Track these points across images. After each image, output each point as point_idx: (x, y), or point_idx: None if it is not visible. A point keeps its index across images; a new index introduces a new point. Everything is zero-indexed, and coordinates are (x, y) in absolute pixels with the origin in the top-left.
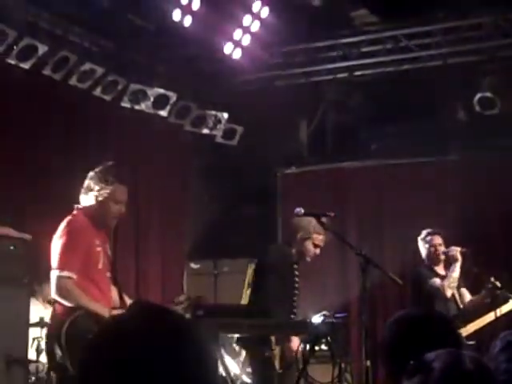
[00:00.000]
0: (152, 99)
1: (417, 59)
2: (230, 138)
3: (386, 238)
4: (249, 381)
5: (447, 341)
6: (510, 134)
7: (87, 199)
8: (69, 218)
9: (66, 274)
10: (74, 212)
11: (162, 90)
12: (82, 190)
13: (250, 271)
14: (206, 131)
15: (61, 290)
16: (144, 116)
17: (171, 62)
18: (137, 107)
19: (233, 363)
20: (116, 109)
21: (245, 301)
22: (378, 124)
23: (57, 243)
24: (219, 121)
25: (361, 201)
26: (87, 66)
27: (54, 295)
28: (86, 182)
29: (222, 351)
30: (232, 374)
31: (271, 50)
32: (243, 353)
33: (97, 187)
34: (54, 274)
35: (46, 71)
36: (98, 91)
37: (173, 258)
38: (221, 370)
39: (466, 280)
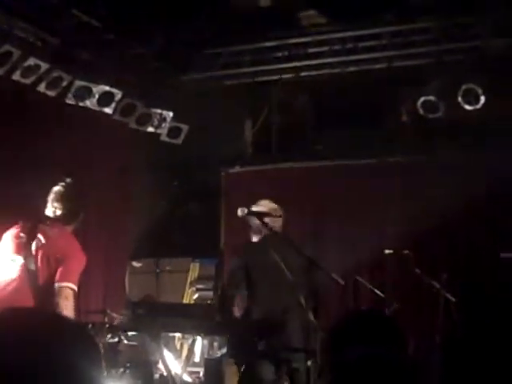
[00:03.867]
0: (97, 96)
1: (363, 61)
2: (175, 136)
3: (330, 238)
4: (190, 380)
5: (385, 339)
6: (452, 138)
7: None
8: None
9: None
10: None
11: (107, 88)
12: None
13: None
14: (150, 129)
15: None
16: (89, 113)
17: (117, 59)
18: (81, 104)
19: (174, 362)
20: (60, 105)
21: (187, 300)
22: (324, 125)
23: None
24: (164, 119)
25: (305, 201)
26: (31, 61)
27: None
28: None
29: (164, 350)
30: (173, 373)
31: (218, 48)
32: (184, 352)
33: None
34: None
35: None
36: (42, 87)
37: (115, 256)
38: (162, 369)
39: (408, 282)
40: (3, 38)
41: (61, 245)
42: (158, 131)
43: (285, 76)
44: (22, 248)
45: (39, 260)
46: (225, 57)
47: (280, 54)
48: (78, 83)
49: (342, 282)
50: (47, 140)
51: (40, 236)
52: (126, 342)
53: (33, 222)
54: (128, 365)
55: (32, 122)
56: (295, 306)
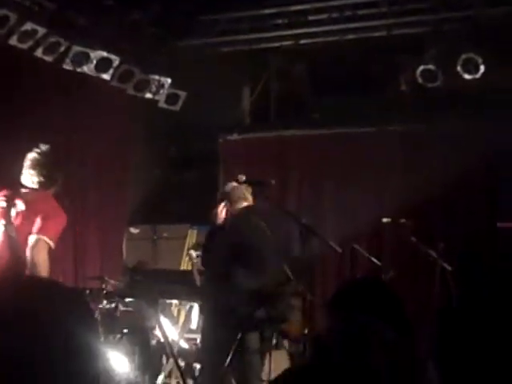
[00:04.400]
0: (94, 62)
1: (361, 29)
2: (172, 103)
3: (327, 206)
4: (187, 346)
5: (380, 308)
6: (451, 107)
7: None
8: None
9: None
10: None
11: (104, 53)
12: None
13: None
14: (148, 96)
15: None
16: (86, 79)
17: (114, 24)
18: (79, 70)
19: (171, 329)
20: (58, 71)
21: (184, 266)
22: (322, 93)
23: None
24: (162, 85)
25: (302, 169)
26: (28, 26)
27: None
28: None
29: (161, 316)
30: (170, 339)
31: (216, 15)
32: (181, 319)
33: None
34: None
35: None
36: (39, 52)
37: (112, 222)
38: (159, 335)
39: (405, 250)
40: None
41: (41, 208)
42: (156, 98)
43: (284, 43)
44: (3, 216)
45: (19, 226)
46: (223, 23)
47: (279, 22)
48: (76, 48)
49: (339, 249)
50: (45, 107)
51: (19, 202)
52: (122, 308)
53: (13, 189)
54: (125, 331)
55: (30, 88)
56: (285, 278)
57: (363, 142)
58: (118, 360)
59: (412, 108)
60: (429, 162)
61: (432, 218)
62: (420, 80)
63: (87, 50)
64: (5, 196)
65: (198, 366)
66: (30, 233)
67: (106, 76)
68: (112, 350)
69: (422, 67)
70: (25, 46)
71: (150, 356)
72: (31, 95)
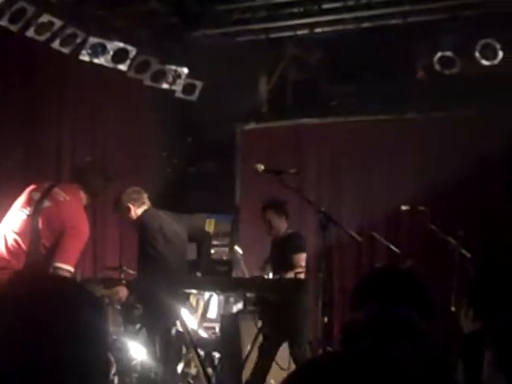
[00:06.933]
0: (111, 53)
1: (377, 17)
2: (189, 93)
3: (345, 194)
4: (206, 335)
5: (409, 297)
6: (468, 94)
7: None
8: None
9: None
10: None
11: (121, 44)
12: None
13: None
14: (165, 86)
15: None
16: (103, 70)
17: (131, 15)
18: (96, 61)
19: (190, 318)
20: (75, 62)
21: None
22: (338, 81)
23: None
24: (179, 76)
25: (320, 158)
26: (45, 18)
27: None
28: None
29: (180, 306)
30: (189, 328)
31: (231, 4)
32: (200, 308)
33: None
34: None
35: (3, 22)
36: (56, 44)
37: None
38: (179, 325)
39: (423, 238)
40: None
41: (66, 213)
42: (173, 88)
43: (299, 32)
44: (31, 204)
45: (42, 221)
46: (238, 13)
47: (294, 10)
48: (92, 40)
49: (359, 238)
50: (60, 100)
51: (51, 198)
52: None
53: (51, 183)
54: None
55: (45, 80)
56: None
57: (380, 129)
58: (137, 350)
59: (429, 95)
60: (447, 149)
61: (450, 206)
62: (437, 67)
63: (104, 41)
64: (39, 187)
65: (216, 354)
66: (50, 235)
67: (122, 67)
68: (131, 340)
69: (439, 54)
70: (42, 38)
71: (170, 346)
72: (46, 87)
